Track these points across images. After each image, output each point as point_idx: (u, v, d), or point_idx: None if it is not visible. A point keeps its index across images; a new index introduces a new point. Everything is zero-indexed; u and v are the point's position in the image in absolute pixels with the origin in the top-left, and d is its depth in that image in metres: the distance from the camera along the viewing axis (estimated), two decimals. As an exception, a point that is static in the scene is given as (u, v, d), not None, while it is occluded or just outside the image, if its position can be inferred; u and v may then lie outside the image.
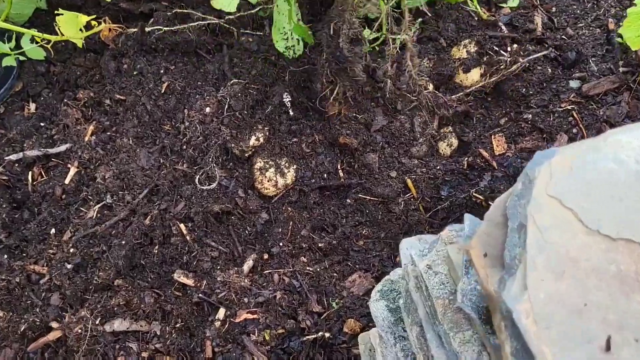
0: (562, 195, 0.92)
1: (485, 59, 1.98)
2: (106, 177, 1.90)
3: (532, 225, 0.91)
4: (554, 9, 2.10)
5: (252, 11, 2.06)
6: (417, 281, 1.26)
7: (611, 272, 0.86)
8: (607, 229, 0.89)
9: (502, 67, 1.83)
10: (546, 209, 0.92)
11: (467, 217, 1.12)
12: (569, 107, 1.83)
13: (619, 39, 1.89)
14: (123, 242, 1.79)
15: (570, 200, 0.92)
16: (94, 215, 1.86)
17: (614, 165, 0.93)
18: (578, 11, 2.07)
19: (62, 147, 1.95)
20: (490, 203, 1.73)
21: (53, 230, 1.87)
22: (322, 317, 1.74)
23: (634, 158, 0.93)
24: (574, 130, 1.80)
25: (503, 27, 2.01)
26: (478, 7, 1.98)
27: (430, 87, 2.01)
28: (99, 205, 1.87)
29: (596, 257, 0.88)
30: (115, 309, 1.75)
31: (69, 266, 1.79)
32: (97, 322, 1.73)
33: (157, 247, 1.83)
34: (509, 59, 1.87)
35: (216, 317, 1.74)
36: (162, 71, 2.02)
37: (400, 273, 1.54)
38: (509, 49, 1.95)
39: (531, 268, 0.88)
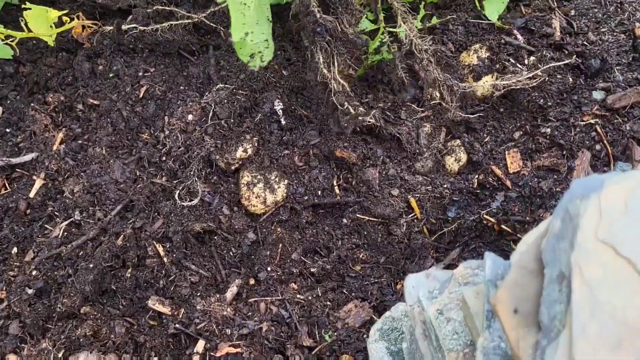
0: (617, 241, 0.73)
1: (497, 66, 1.80)
2: (75, 190, 1.71)
3: (578, 279, 0.72)
4: (572, 12, 1.91)
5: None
6: (425, 327, 1.07)
7: (682, 343, 0.67)
8: (674, 286, 0.70)
9: (518, 80, 1.64)
10: (596, 258, 0.73)
11: (488, 256, 0.93)
12: (592, 121, 1.65)
13: (647, 46, 1.72)
14: (91, 265, 1.59)
15: (628, 247, 0.73)
16: (60, 234, 1.66)
17: (681, 204, 0.74)
18: (600, 15, 1.88)
19: (28, 157, 1.76)
20: (503, 227, 1.55)
21: (15, 250, 1.68)
22: (313, 352, 1.57)
23: None
24: (598, 147, 1.62)
25: (518, 35, 1.82)
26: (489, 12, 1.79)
27: (437, 95, 1.82)
28: (66, 222, 1.68)
29: (661, 323, 0.69)
30: (81, 339, 1.57)
31: (30, 291, 1.60)
32: (60, 355, 1.55)
33: (130, 270, 1.64)
34: (525, 73, 1.68)
35: (194, 351, 1.56)
36: (140, 74, 1.83)
37: (402, 309, 1.35)
38: (526, 61, 1.76)
39: (579, 335, 0.69)
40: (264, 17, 1.55)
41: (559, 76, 1.72)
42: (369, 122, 1.66)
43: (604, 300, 0.70)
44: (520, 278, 0.81)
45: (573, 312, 0.70)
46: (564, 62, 1.67)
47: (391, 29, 1.68)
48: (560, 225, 0.81)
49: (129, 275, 1.64)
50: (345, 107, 1.62)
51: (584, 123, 1.66)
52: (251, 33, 1.52)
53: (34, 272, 1.62)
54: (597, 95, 1.69)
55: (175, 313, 1.61)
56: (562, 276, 0.76)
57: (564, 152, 1.64)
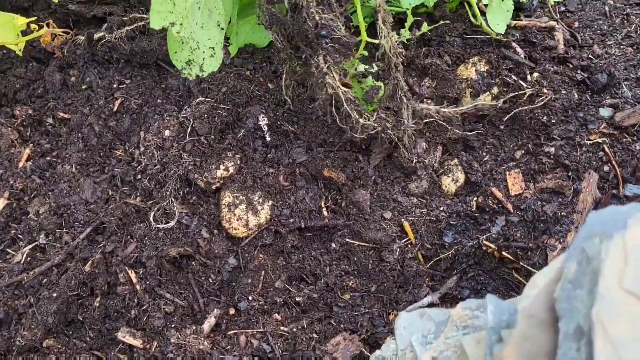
0: (647, 292, 0.61)
1: (497, 80, 1.68)
2: (41, 212, 1.58)
3: (601, 337, 0.60)
4: (576, 24, 1.81)
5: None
6: (417, 377, 0.93)
7: None
8: None
9: (521, 99, 1.52)
10: (623, 312, 0.61)
11: (490, 300, 0.80)
12: (599, 140, 1.53)
13: (656, 60, 1.61)
14: (55, 294, 1.46)
15: (659, 299, 0.60)
16: (23, 259, 1.53)
17: None
18: (605, 27, 1.78)
19: (-9, 174, 1.63)
20: (504, 254, 1.42)
21: (-27, 276, 1.53)
22: (297, 391, 1.42)
23: None
24: (606, 168, 1.50)
25: (517, 49, 1.71)
26: (483, 22, 1.68)
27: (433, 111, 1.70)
28: (30, 246, 1.55)
29: None
30: None
31: (-13, 322, 1.46)
32: (18, 393, 1.40)
33: (98, 299, 1.51)
34: (528, 90, 1.57)
35: None
36: (115, 85, 1.71)
37: (393, 348, 1.21)
38: (528, 77, 1.65)
39: (603, 410, 0.56)
40: (213, 21, 1.38)
41: (563, 91, 1.61)
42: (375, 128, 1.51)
43: (635, 366, 0.58)
44: (529, 330, 0.68)
45: (598, 381, 0.58)
46: (569, 77, 1.55)
47: (373, 40, 1.54)
48: (577, 269, 0.68)
49: (97, 304, 1.51)
50: (355, 115, 1.47)
51: (591, 142, 1.54)
52: (179, 25, 1.29)
53: (-8, 302, 1.48)
54: (605, 112, 1.57)
55: (147, 346, 1.48)
56: (581, 332, 0.64)
57: (570, 173, 1.52)
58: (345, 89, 1.47)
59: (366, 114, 1.51)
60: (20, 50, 1.63)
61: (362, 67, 1.59)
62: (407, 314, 1.01)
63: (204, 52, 1.38)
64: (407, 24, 1.62)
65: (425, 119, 1.63)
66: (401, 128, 1.54)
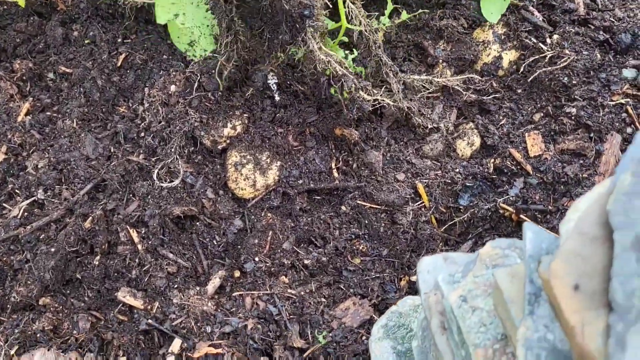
0: None
1: (515, 42, 1.63)
2: (40, 166, 1.52)
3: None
4: (596, -11, 1.75)
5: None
6: (443, 319, 0.87)
7: None
8: None
9: (541, 62, 1.47)
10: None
11: (528, 227, 0.74)
12: (622, 101, 1.48)
13: (681, 23, 1.55)
14: (53, 250, 1.40)
15: None
16: (20, 214, 1.47)
17: None
18: (626, -9, 1.73)
19: (-11, 128, 1.56)
20: (522, 217, 1.36)
21: (-33, 231, 1.47)
22: (304, 355, 1.39)
23: None
24: (629, 130, 1.45)
25: (535, 12, 1.65)
26: None
27: (448, 73, 1.65)
28: (27, 201, 1.48)
29: None
30: (39, 335, 1.39)
31: (-19, 278, 1.39)
32: (12, 351, 1.36)
33: (98, 257, 1.45)
34: (549, 53, 1.51)
35: (169, 351, 1.38)
36: (119, 40, 1.65)
37: (411, 303, 1.16)
38: (548, 39, 1.59)
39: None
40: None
41: (585, 52, 1.55)
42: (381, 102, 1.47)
43: None
44: (581, 247, 0.62)
45: (666, 284, 0.52)
46: (591, 38, 1.49)
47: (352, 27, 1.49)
48: (632, 180, 0.63)
49: (97, 263, 1.45)
50: (355, 90, 1.43)
51: (614, 103, 1.49)
52: (183, 15, 1.30)
53: (-13, 257, 1.42)
54: (628, 73, 1.52)
55: (149, 307, 1.42)
56: (640, 242, 0.58)
57: (592, 135, 1.47)
58: (340, 65, 1.43)
59: (367, 87, 1.46)
60: (23, 1, 1.57)
61: (342, 53, 1.54)
62: (430, 258, 0.95)
63: (203, 32, 1.37)
64: (387, 11, 1.55)
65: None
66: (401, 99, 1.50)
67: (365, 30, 1.46)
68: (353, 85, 1.45)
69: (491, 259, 0.87)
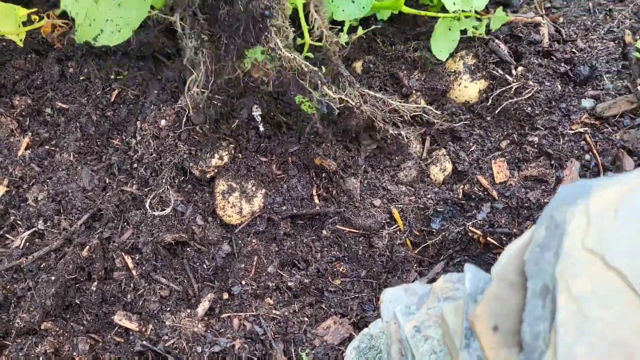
0: (606, 250, 0.66)
1: (484, 73, 1.73)
2: (40, 198, 1.62)
3: (564, 293, 0.65)
4: (561, 19, 1.86)
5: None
6: (401, 346, 0.98)
7: (681, 367, 0.60)
8: (670, 301, 0.63)
9: (508, 92, 1.57)
10: (584, 270, 0.65)
11: (469, 268, 0.85)
12: (581, 130, 1.58)
13: (637, 54, 1.66)
14: (53, 278, 1.50)
15: (618, 257, 0.65)
16: (22, 244, 1.57)
17: (677, 210, 0.66)
18: (589, 22, 1.83)
19: (-9, 162, 1.67)
20: (489, 239, 1.47)
21: (-27, 260, 1.57)
22: (289, 372, 1.46)
23: (703, 200, 0.66)
24: (587, 157, 1.56)
25: (500, 44, 1.75)
26: (462, 17, 1.70)
27: (422, 103, 1.75)
28: (28, 232, 1.59)
29: (658, 343, 0.61)
30: (41, 358, 1.48)
31: (-13, 305, 1.50)
32: (16, 374, 1.43)
33: (96, 283, 1.55)
34: (514, 84, 1.62)
35: None
36: (112, 77, 1.75)
37: (381, 326, 1.26)
38: (513, 71, 1.70)
39: (565, 357, 0.61)
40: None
41: (547, 83, 1.66)
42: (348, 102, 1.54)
43: (593, 317, 0.63)
44: (501, 291, 0.73)
45: (558, 330, 0.62)
46: (553, 70, 1.60)
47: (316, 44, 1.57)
48: (545, 234, 0.73)
49: (94, 288, 1.55)
50: (321, 85, 1.49)
51: (573, 132, 1.59)
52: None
53: (-8, 285, 1.52)
54: (587, 103, 1.63)
55: (143, 329, 1.52)
56: (547, 290, 0.68)
57: (552, 162, 1.57)
58: (306, 63, 1.48)
59: (332, 86, 1.51)
60: (21, 40, 1.67)
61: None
62: (391, 289, 1.05)
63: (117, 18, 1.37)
64: (345, 28, 1.64)
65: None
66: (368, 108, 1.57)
67: (327, 42, 1.53)
68: (319, 81, 1.50)
69: (443, 292, 0.97)
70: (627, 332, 0.62)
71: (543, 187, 1.55)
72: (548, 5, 1.94)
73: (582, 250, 0.66)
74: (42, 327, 1.50)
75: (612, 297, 0.64)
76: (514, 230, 1.51)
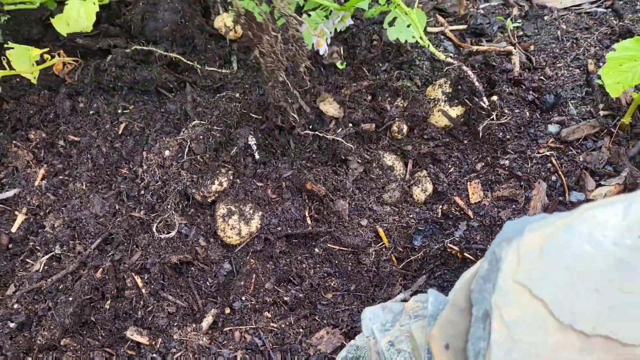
0: (532, 283, 0.81)
1: (461, 99, 1.89)
2: (56, 225, 1.77)
3: (497, 319, 0.80)
4: (532, 47, 2.02)
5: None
6: (378, 358, 1.14)
7: (587, 377, 0.75)
8: (581, 323, 0.78)
9: (481, 118, 1.73)
10: (513, 300, 0.81)
11: (431, 293, 1.01)
12: (547, 153, 1.74)
13: (599, 81, 1.81)
14: (71, 298, 1.65)
15: (541, 289, 0.81)
16: (41, 268, 1.72)
17: (590, 248, 0.82)
18: (557, 50, 1.99)
19: (10, 192, 1.83)
20: (466, 255, 1.62)
21: (-3, 284, 1.73)
22: (286, 379, 1.62)
23: (612, 239, 0.82)
24: (553, 178, 1.71)
25: (469, 73, 1.90)
26: (433, 49, 1.83)
27: (405, 128, 1.91)
28: (46, 256, 1.74)
29: (570, 358, 0.77)
30: None
31: (12, 324, 1.65)
32: (40, 386, 1.59)
33: (109, 301, 1.70)
34: (486, 111, 1.78)
35: None
36: (119, 111, 1.91)
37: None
38: (486, 100, 1.85)
39: (496, 371, 0.77)
40: None
41: (517, 110, 1.82)
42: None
43: (519, 339, 0.78)
44: (452, 315, 0.89)
45: (492, 350, 0.78)
46: (522, 98, 1.76)
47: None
48: (488, 267, 0.88)
49: (108, 306, 1.70)
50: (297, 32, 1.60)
51: (540, 155, 1.75)
52: None
53: (15, 306, 1.67)
54: (553, 128, 1.78)
55: (153, 343, 1.67)
56: (487, 315, 0.84)
57: (522, 183, 1.73)
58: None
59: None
60: (35, 78, 1.82)
61: None
62: (371, 308, 1.21)
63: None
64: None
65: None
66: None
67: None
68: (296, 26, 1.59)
69: (413, 311, 1.13)
70: (547, 351, 0.78)
71: (514, 206, 1.70)
72: (521, 33, 2.09)
73: (513, 283, 0.82)
74: (62, 343, 1.65)
75: (536, 322, 0.79)
76: (488, 246, 1.66)
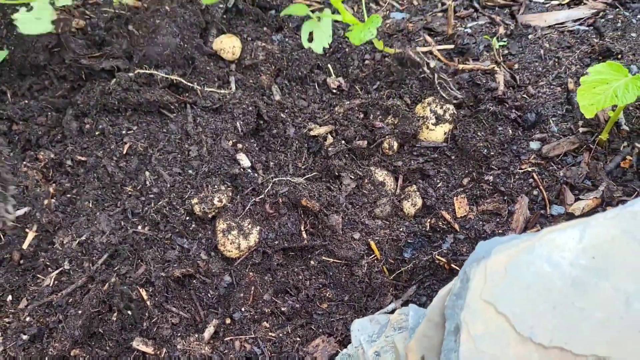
0: (497, 300, 0.91)
1: (447, 117, 1.98)
2: (65, 242, 1.87)
3: (465, 333, 0.90)
4: (516, 66, 2.11)
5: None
6: (366, 367, 1.23)
7: (544, 385, 0.84)
8: (540, 336, 0.88)
9: (467, 135, 1.84)
10: (480, 315, 0.90)
11: (411, 307, 1.10)
12: (529, 169, 1.83)
13: (578, 99, 1.90)
14: (80, 311, 1.75)
15: (504, 305, 0.90)
16: (51, 283, 1.82)
17: (548, 268, 0.91)
18: (540, 68, 2.08)
19: (21, 211, 1.92)
20: (453, 266, 1.72)
21: (9, 298, 1.83)
22: (284, 386, 1.71)
23: (568, 260, 0.92)
24: (535, 192, 1.80)
25: (453, 91, 2.00)
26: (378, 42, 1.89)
27: (395, 145, 2.01)
28: (56, 271, 1.84)
29: (529, 368, 0.86)
30: None
31: (24, 337, 1.75)
32: (51, 395, 1.68)
33: (116, 314, 1.79)
34: (473, 127, 1.88)
35: None
36: (124, 132, 2.01)
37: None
38: (470, 117, 1.94)
39: (464, 379, 0.86)
40: None
41: (500, 128, 1.91)
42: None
43: (484, 351, 0.88)
44: (428, 330, 0.98)
45: (460, 361, 0.87)
46: (505, 116, 1.87)
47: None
48: (460, 285, 0.98)
49: (114, 318, 1.79)
50: None
51: (522, 171, 1.84)
52: None
53: (27, 319, 1.77)
54: (534, 145, 1.88)
55: (158, 353, 1.76)
56: (457, 329, 0.93)
57: (505, 198, 1.82)
58: None
59: None
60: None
61: None
62: (360, 320, 1.31)
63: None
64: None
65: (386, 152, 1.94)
66: None
67: None
68: None
69: (397, 323, 1.22)
70: (507, 359, 0.88)
71: (497, 219, 1.80)
72: (506, 52, 2.19)
73: (479, 300, 0.91)
74: (72, 354, 1.74)
75: (499, 336, 0.89)
76: (474, 258, 1.75)
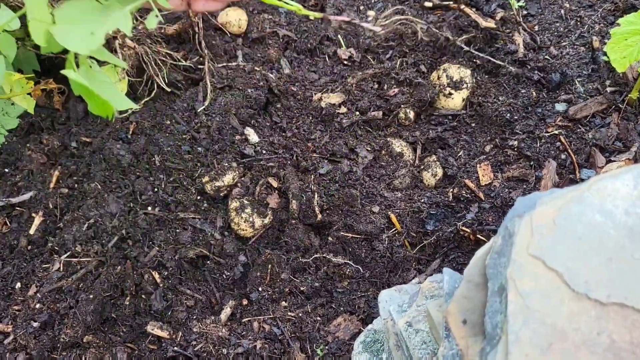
0: (546, 255, 0.82)
1: (466, 83, 1.89)
2: (73, 226, 1.80)
3: (513, 291, 0.81)
4: (536, 27, 2.01)
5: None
6: (397, 339, 1.15)
7: (603, 344, 0.76)
8: (596, 292, 0.79)
9: (489, 100, 1.74)
10: (528, 271, 0.82)
11: (446, 272, 1.02)
12: (556, 132, 1.74)
13: (605, 58, 1.81)
14: (92, 296, 1.68)
15: (555, 260, 0.82)
16: (61, 268, 1.75)
17: (601, 218, 0.83)
18: (561, 29, 1.98)
19: (27, 195, 1.86)
20: (478, 237, 1.64)
21: (18, 285, 1.77)
22: (306, 367, 1.64)
23: (622, 208, 0.83)
24: (563, 156, 1.71)
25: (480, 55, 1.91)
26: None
27: (412, 114, 1.92)
28: (65, 256, 1.77)
29: (586, 326, 0.78)
30: None
31: (35, 324, 1.69)
32: (66, 383, 1.62)
33: (128, 298, 1.73)
34: (493, 91, 1.78)
35: None
36: (130, 110, 1.93)
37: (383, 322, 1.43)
38: (492, 79, 1.85)
39: (513, 341, 0.78)
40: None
41: (523, 90, 1.82)
42: None
43: (535, 309, 0.80)
44: (468, 291, 0.90)
45: (509, 321, 0.79)
46: (527, 78, 1.77)
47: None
48: (501, 242, 0.90)
49: (127, 303, 1.73)
50: None
51: (549, 134, 1.75)
52: None
53: (37, 306, 1.71)
54: (560, 107, 1.78)
55: (174, 336, 1.69)
56: (502, 289, 0.85)
57: (532, 163, 1.73)
58: None
59: None
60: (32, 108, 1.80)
61: None
62: (387, 290, 1.23)
63: None
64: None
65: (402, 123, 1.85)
66: None
67: None
68: None
69: (429, 291, 1.14)
70: (562, 319, 0.79)
71: (524, 186, 1.71)
72: (525, 12, 2.09)
73: (527, 255, 0.83)
74: (85, 340, 1.68)
75: (550, 292, 0.80)
76: (500, 227, 1.67)
